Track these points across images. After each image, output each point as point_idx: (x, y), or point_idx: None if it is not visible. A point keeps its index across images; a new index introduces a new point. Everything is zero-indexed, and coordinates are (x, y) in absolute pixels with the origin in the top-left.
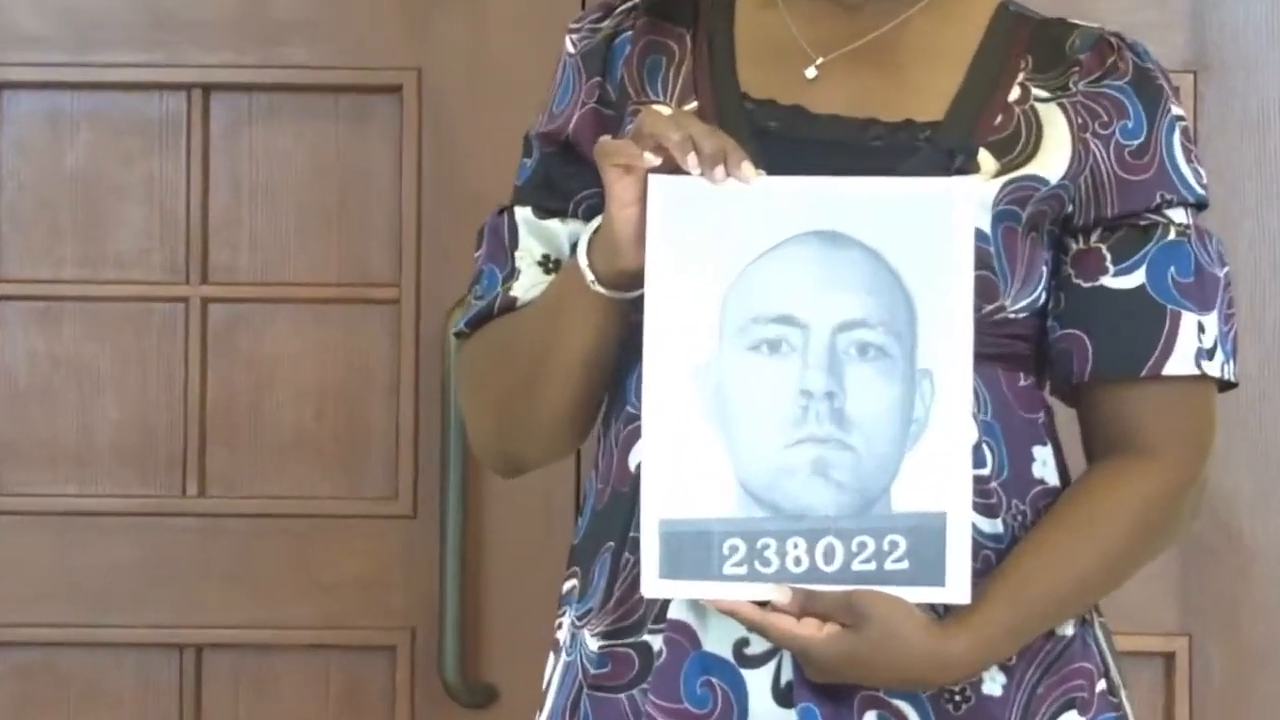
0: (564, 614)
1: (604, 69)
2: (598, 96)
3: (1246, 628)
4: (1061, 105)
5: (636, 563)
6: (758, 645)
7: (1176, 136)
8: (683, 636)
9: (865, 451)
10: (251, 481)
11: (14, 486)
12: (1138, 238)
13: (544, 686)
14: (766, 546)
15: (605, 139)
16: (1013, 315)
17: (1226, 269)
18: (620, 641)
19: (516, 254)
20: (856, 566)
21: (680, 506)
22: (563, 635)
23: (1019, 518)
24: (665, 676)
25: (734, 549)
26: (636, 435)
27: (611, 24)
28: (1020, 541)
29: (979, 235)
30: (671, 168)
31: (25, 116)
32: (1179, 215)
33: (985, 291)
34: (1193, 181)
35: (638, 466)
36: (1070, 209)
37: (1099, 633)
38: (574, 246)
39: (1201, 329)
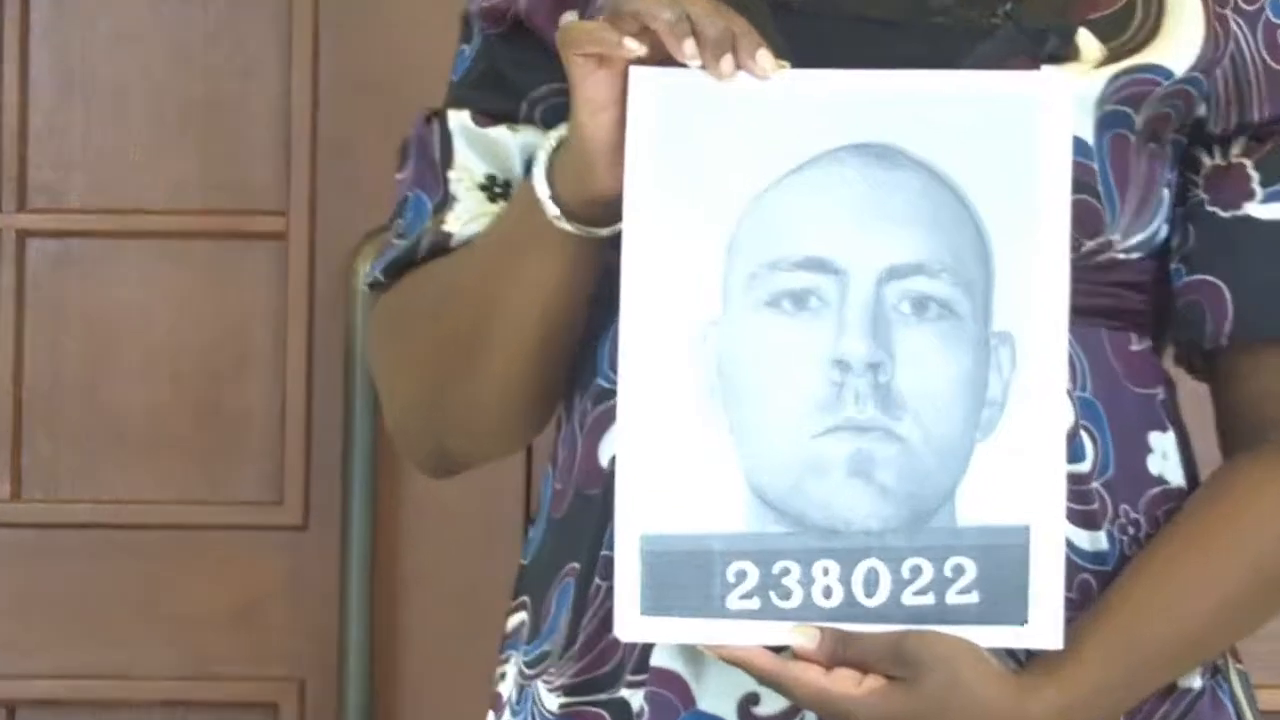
0: (508, 660)
1: None
2: None
3: None
4: None
5: (609, 592)
6: (771, 704)
7: None
8: (671, 692)
9: (921, 444)
10: (83, 481)
11: None
12: None
13: None
14: (786, 573)
15: (570, 19)
16: (1122, 256)
17: None
18: (587, 699)
19: (451, 175)
20: (909, 600)
21: (669, 518)
22: (507, 689)
23: (1129, 530)
24: None
25: (742, 575)
26: (610, 419)
27: None
28: (1132, 563)
29: (1078, 147)
30: (661, 58)
31: None
32: None
33: (1085, 223)
34: None
35: (612, 461)
36: (1203, 111)
37: (1236, 685)
38: (529, 165)
39: None
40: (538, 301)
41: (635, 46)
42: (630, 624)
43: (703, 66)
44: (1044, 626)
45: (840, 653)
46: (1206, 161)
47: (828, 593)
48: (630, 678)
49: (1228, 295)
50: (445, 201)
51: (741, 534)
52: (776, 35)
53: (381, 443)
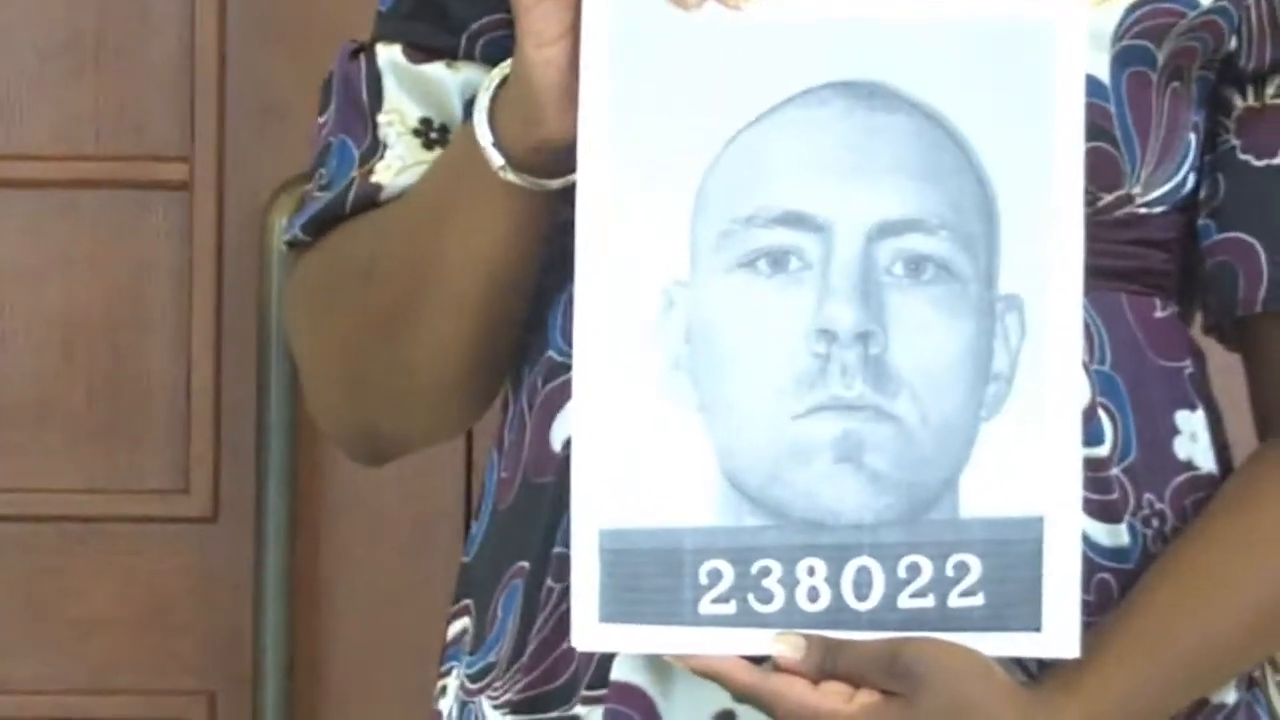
0: (449, 672)
1: None
2: None
3: None
4: None
5: (564, 595)
6: None
7: None
8: (634, 709)
9: (918, 425)
10: None
11: None
12: None
13: None
14: (766, 573)
15: None
16: (1144, 210)
17: None
18: (539, 716)
19: (380, 118)
20: (906, 603)
21: (632, 510)
22: (448, 704)
23: (1154, 522)
24: None
25: (716, 576)
26: (563, 396)
27: None
28: (1157, 561)
29: (1092, 86)
30: None
31: None
32: None
33: (1102, 174)
34: None
35: (566, 445)
36: (1234, 45)
37: (1275, 698)
38: (469, 106)
39: None
40: (480, 263)
41: None
42: (588, 632)
43: None
44: (1059, 633)
45: (828, 664)
46: (1238, 103)
47: (814, 595)
48: (587, 693)
49: (1262, 255)
50: (374, 148)
51: (714, 529)
52: None
53: (301, 423)
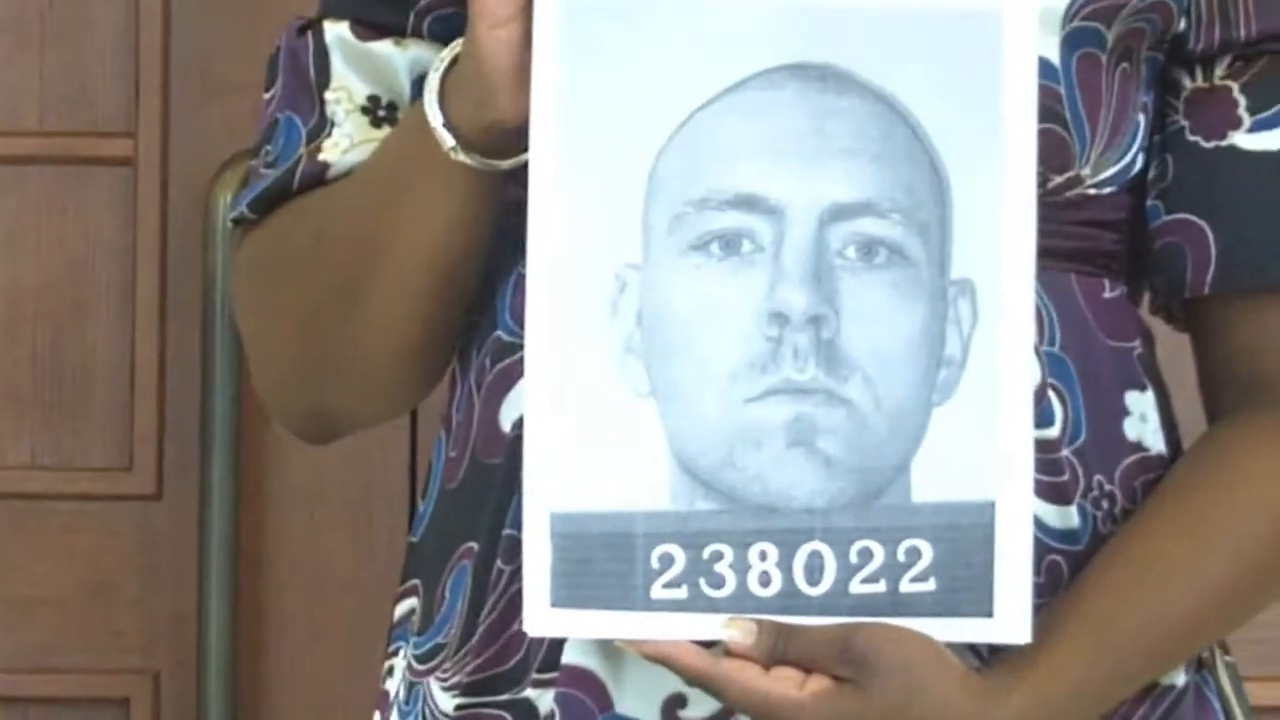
0: (397, 651)
1: None
2: None
3: None
4: None
5: (513, 577)
6: (700, 707)
7: None
8: (585, 693)
9: (871, 409)
10: None
11: None
12: None
13: None
14: (718, 557)
15: None
16: (1093, 191)
17: None
18: (489, 699)
19: (328, 95)
20: (858, 588)
21: (584, 494)
22: (395, 685)
23: (1104, 504)
24: None
25: (668, 560)
26: (512, 377)
27: None
28: (1108, 544)
29: (1043, 68)
30: None
31: None
32: None
33: (1052, 156)
34: None
35: (515, 426)
36: (1183, 26)
37: (1224, 680)
38: (418, 84)
39: None
40: (429, 242)
41: None
42: (540, 616)
43: None
44: (1011, 618)
45: (780, 649)
46: (1187, 84)
47: (765, 580)
48: (538, 676)
49: (1211, 238)
50: (321, 126)
51: (666, 513)
52: None
53: (246, 400)
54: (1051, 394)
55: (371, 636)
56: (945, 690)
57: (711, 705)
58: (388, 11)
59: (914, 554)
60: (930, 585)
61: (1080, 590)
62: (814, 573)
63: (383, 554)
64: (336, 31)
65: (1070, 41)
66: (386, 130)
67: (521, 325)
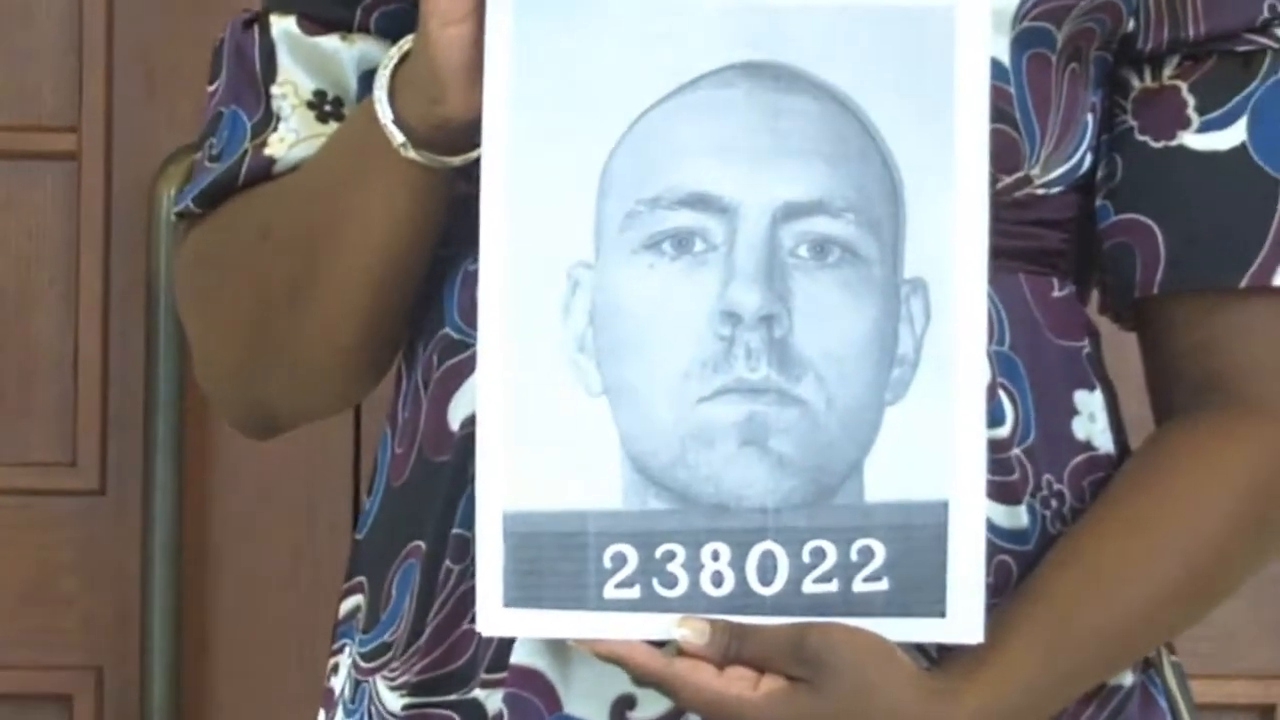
0: (342, 649)
1: None
2: None
3: None
4: None
5: (462, 576)
6: (650, 707)
7: None
8: (533, 693)
9: (823, 408)
10: None
11: None
12: (1236, 73)
13: None
14: (671, 557)
15: None
16: (1042, 191)
17: None
18: (437, 699)
19: (274, 89)
20: (810, 588)
21: (536, 493)
22: (340, 682)
23: (1052, 503)
24: None
25: (620, 560)
26: (460, 375)
27: None
28: (1058, 544)
29: (994, 70)
30: None
31: None
32: None
33: (1003, 156)
34: None
35: (464, 424)
36: (1131, 26)
37: (1170, 679)
38: (364, 79)
39: None
40: (376, 238)
41: None
42: (493, 616)
43: None
44: (963, 619)
45: (733, 649)
46: (1135, 83)
47: (718, 580)
48: (486, 676)
49: (1160, 238)
50: (267, 120)
51: (619, 512)
52: None
53: (190, 395)
54: (1002, 393)
55: (316, 633)
56: (898, 690)
57: (661, 706)
58: (335, 6)
59: (867, 554)
60: (883, 585)
61: (1031, 591)
62: (767, 572)
63: (327, 550)
64: (283, 26)
65: (1020, 42)
66: (333, 126)
67: (469, 322)
